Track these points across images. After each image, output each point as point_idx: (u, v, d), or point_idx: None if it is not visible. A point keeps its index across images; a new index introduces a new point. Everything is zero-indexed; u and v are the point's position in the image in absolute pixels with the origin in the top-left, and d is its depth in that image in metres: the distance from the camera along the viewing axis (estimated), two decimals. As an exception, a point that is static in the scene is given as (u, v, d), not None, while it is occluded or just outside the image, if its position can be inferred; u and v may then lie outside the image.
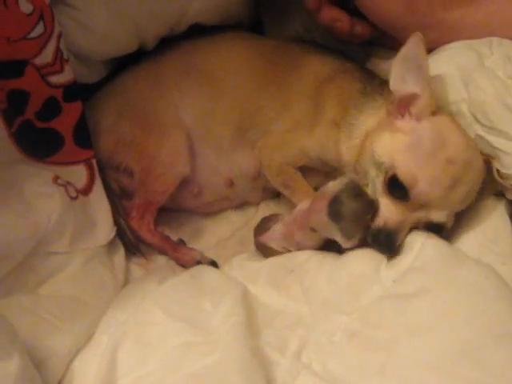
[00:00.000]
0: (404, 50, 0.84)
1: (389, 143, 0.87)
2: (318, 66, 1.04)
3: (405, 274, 0.82)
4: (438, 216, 0.86)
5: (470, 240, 0.88)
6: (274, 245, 0.96)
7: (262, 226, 1.00)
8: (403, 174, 0.83)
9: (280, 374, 0.76)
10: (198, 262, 1.00)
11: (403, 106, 0.87)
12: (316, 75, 1.03)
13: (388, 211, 0.86)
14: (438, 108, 0.88)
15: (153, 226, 1.03)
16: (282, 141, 1.03)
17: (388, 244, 0.85)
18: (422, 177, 0.82)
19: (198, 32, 1.11)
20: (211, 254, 1.03)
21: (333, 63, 1.05)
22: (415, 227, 0.87)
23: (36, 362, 0.73)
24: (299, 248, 0.95)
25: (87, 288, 0.89)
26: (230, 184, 1.09)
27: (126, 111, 1.05)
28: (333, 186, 0.89)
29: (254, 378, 0.72)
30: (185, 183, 1.06)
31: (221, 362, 0.73)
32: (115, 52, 1.03)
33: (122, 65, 1.11)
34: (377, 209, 0.87)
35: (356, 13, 0.99)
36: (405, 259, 0.84)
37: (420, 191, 0.83)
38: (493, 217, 0.89)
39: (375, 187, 0.88)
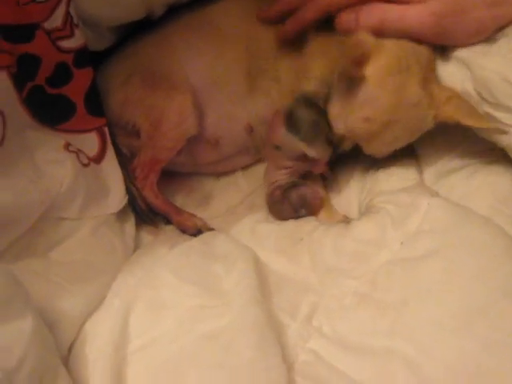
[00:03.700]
0: None
1: None
2: None
3: (413, 237, 0.83)
4: None
5: (480, 201, 0.87)
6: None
7: None
8: None
9: (292, 338, 0.77)
10: (199, 230, 1.00)
11: None
12: None
13: None
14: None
15: (156, 188, 1.02)
16: None
17: None
18: None
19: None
20: (220, 220, 1.03)
21: None
22: None
23: (48, 324, 0.73)
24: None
25: (97, 253, 0.89)
26: (250, 130, 1.08)
27: (135, 71, 1.04)
28: (286, 105, 0.95)
29: (266, 339, 0.73)
30: (200, 136, 1.05)
31: (234, 323, 0.74)
32: (122, 18, 1.01)
33: (130, 34, 1.10)
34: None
35: None
36: (411, 221, 0.85)
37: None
38: (503, 179, 0.89)
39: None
